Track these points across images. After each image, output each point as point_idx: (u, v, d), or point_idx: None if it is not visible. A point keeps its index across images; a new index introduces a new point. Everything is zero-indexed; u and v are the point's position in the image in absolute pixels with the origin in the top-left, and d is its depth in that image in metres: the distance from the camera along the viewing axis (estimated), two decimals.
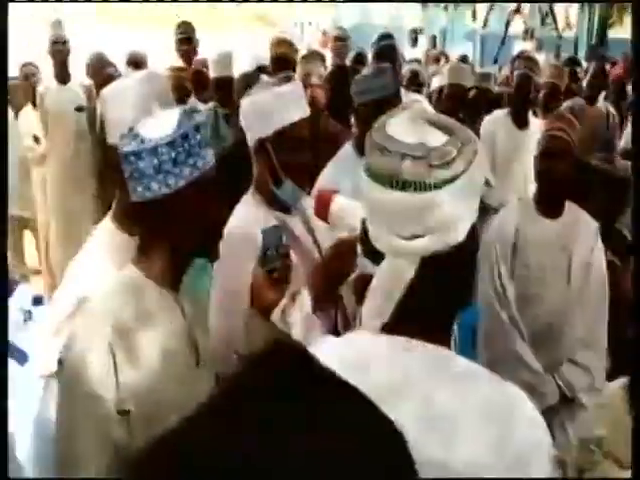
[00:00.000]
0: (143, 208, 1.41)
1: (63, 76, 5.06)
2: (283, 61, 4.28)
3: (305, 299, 1.81)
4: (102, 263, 1.67)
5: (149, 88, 1.75)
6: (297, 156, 2.00)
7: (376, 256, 1.07)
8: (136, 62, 5.32)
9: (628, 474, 1.52)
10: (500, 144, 4.26)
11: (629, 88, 5.87)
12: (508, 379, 1.05)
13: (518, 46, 11.16)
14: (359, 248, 1.17)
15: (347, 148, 2.99)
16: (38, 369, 1.80)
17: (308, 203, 2.03)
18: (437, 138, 1.01)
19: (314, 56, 4.89)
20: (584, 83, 5.81)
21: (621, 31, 12.56)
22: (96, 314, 1.41)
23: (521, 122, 4.30)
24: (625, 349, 2.01)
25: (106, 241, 1.75)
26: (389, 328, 1.06)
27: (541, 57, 8.25)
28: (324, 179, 2.78)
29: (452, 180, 0.99)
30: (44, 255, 5.46)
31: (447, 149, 0.99)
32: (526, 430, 0.98)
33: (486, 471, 0.95)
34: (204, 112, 3.98)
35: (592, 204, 2.91)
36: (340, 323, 2.03)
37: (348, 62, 5.31)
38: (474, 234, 1.06)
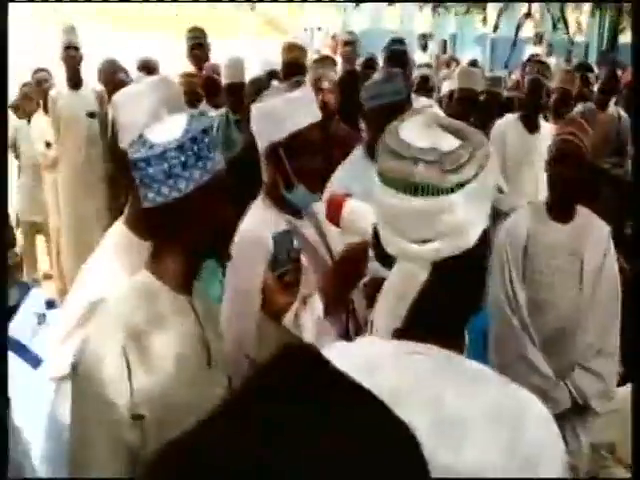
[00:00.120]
0: (155, 213, 1.41)
1: (75, 82, 5.09)
2: (294, 66, 4.29)
3: (316, 303, 1.81)
4: (114, 267, 1.68)
5: (162, 93, 1.76)
6: (309, 161, 2.00)
7: (387, 260, 1.07)
8: (147, 67, 5.35)
9: None
10: (511, 148, 4.25)
11: None
12: (519, 384, 1.05)
13: (528, 50, 11.15)
14: (370, 252, 1.17)
15: (358, 152, 2.99)
16: (50, 372, 1.81)
17: (319, 207, 2.03)
18: (450, 143, 1.01)
19: (325, 61, 4.90)
20: (595, 88, 5.80)
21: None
22: (110, 318, 1.41)
23: (532, 126, 4.29)
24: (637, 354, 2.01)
25: (118, 245, 1.76)
26: (401, 332, 1.06)
27: (552, 61, 8.24)
28: (335, 183, 2.78)
29: (464, 184, 0.99)
30: (55, 259, 5.50)
31: (459, 153, 0.99)
32: (537, 431, 0.98)
33: (496, 473, 0.95)
34: (214, 116, 4.01)
35: (603, 209, 2.90)
36: (351, 327, 2.03)
37: (358, 67, 5.32)
38: (486, 238, 1.05)
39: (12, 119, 5.55)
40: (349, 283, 1.88)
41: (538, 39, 11.94)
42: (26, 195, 5.57)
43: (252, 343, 1.89)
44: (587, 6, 13.05)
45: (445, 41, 12.42)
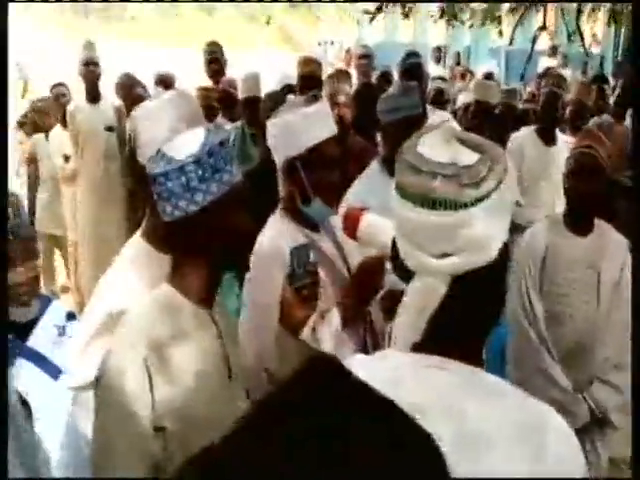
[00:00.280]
0: (174, 227, 1.42)
1: (94, 96, 5.14)
2: (310, 79, 4.31)
3: (334, 317, 1.82)
4: (132, 279, 1.69)
5: (181, 109, 1.76)
6: (325, 174, 2.01)
7: (406, 274, 1.08)
8: (165, 82, 5.40)
9: None
10: (528, 161, 4.24)
11: None
12: (538, 398, 1.05)
13: (543, 63, 11.12)
14: (388, 265, 1.17)
15: (374, 166, 2.99)
16: (68, 382, 1.83)
17: (336, 221, 2.04)
18: (468, 157, 1.01)
19: (341, 74, 4.93)
20: (611, 100, 5.78)
21: None
22: (132, 331, 1.42)
23: (548, 139, 4.28)
24: None
25: (136, 258, 1.77)
26: (420, 346, 1.06)
27: (567, 73, 8.21)
28: (351, 197, 2.79)
29: (483, 199, 0.99)
30: (73, 272, 5.53)
31: (478, 168, 1.00)
32: (558, 446, 0.98)
33: None
34: (230, 129, 4.04)
35: (621, 222, 2.89)
36: (369, 340, 2.03)
37: (374, 80, 5.33)
38: (506, 252, 1.05)
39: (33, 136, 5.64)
40: (366, 296, 1.89)
41: (553, 51, 11.92)
42: (45, 208, 5.62)
43: (272, 357, 1.89)
44: (603, 16, 12.99)
45: (459, 53, 12.41)
